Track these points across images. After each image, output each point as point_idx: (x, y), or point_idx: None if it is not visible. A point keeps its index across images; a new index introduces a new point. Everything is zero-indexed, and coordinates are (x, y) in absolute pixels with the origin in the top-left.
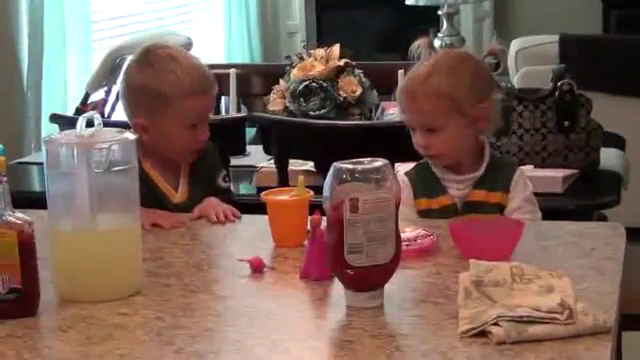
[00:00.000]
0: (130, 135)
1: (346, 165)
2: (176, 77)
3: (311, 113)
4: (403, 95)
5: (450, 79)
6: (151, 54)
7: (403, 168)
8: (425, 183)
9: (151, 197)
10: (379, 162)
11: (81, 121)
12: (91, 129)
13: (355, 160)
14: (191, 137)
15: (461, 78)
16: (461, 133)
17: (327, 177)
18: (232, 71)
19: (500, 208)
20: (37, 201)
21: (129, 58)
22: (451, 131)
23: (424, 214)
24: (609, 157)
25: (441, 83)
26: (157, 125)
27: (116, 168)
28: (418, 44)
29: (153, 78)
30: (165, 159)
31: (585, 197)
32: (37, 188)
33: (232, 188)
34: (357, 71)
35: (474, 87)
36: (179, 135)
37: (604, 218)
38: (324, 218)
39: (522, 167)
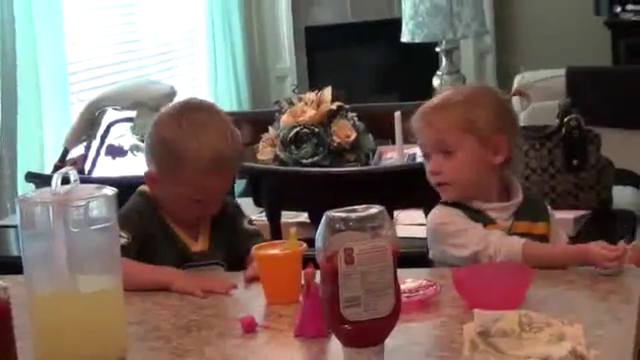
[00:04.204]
0: (109, 191)
1: (339, 213)
2: (198, 148)
3: (303, 161)
4: (418, 116)
5: (468, 102)
6: (185, 114)
7: (403, 217)
8: (470, 215)
9: (171, 246)
10: (374, 209)
11: (56, 178)
12: (67, 186)
13: (349, 208)
14: (197, 208)
15: (480, 102)
16: (475, 159)
17: (319, 227)
18: None
19: (544, 239)
20: (15, 266)
21: (166, 106)
22: (464, 155)
23: None
24: (622, 195)
25: (458, 103)
26: (166, 184)
27: (95, 226)
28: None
29: (176, 138)
30: None
31: (598, 239)
32: (15, 252)
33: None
34: (350, 114)
35: (493, 113)
36: (184, 203)
37: None
38: (318, 271)
39: None
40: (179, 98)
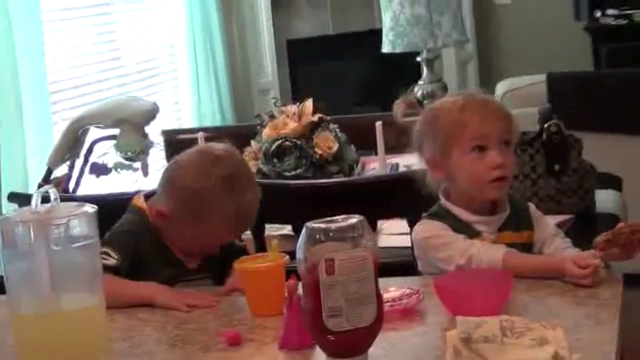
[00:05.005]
0: (89, 208)
1: (319, 224)
2: (227, 206)
3: (286, 174)
4: (476, 106)
5: None
6: (215, 165)
7: (387, 227)
8: (457, 228)
9: (166, 264)
10: (354, 219)
11: (36, 197)
12: (47, 205)
13: (328, 219)
14: (200, 249)
15: None
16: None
17: (300, 238)
18: (200, 135)
19: (528, 246)
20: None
21: (190, 151)
22: (513, 150)
23: None
24: (605, 199)
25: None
26: (177, 225)
27: (76, 244)
28: (398, 107)
29: (205, 191)
30: None
31: (582, 243)
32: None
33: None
34: (332, 126)
35: None
36: (189, 243)
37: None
38: (301, 283)
39: None
40: (163, 114)
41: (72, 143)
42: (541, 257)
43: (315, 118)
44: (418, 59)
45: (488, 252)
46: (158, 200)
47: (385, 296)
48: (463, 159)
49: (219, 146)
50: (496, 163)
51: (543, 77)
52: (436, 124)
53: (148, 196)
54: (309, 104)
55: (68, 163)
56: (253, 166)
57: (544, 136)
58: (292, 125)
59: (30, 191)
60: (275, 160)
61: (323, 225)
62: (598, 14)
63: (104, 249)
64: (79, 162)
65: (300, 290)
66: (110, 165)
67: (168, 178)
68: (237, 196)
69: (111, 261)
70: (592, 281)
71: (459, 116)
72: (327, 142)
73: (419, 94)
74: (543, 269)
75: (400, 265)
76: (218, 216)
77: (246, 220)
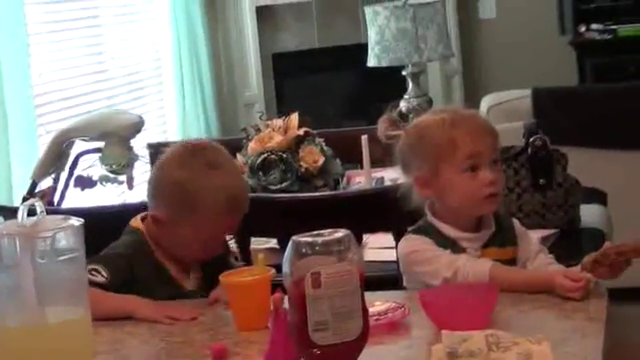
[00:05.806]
0: (75, 221)
1: (305, 238)
2: (215, 189)
3: (272, 187)
4: (465, 124)
5: None
6: (196, 154)
7: (372, 241)
8: (441, 243)
9: (163, 284)
10: (340, 233)
11: (22, 210)
12: (33, 218)
13: (315, 232)
14: (203, 249)
15: None
16: None
17: (286, 252)
18: None
19: (512, 262)
20: None
21: (171, 149)
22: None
23: None
24: (590, 214)
25: None
26: (174, 225)
27: (62, 257)
28: (380, 125)
29: (191, 180)
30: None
31: (566, 258)
32: None
33: None
34: (318, 140)
35: None
36: (191, 243)
37: None
38: (287, 297)
39: None
40: (148, 127)
41: (57, 156)
42: (529, 271)
43: (301, 132)
44: (403, 73)
45: (474, 265)
46: (151, 208)
47: (371, 310)
48: (455, 178)
49: (194, 139)
50: (489, 180)
51: (528, 92)
52: (424, 143)
53: (144, 218)
54: (295, 118)
55: (53, 176)
56: None
57: (529, 151)
58: (278, 139)
59: (15, 204)
60: (261, 174)
61: (309, 239)
62: (583, 29)
63: (95, 266)
64: (64, 175)
65: (286, 304)
66: (95, 178)
67: (153, 181)
68: (222, 178)
69: (99, 279)
70: (582, 295)
71: (449, 134)
72: (313, 156)
73: (404, 108)
74: (531, 282)
75: (386, 279)
76: (209, 202)
77: (237, 204)
